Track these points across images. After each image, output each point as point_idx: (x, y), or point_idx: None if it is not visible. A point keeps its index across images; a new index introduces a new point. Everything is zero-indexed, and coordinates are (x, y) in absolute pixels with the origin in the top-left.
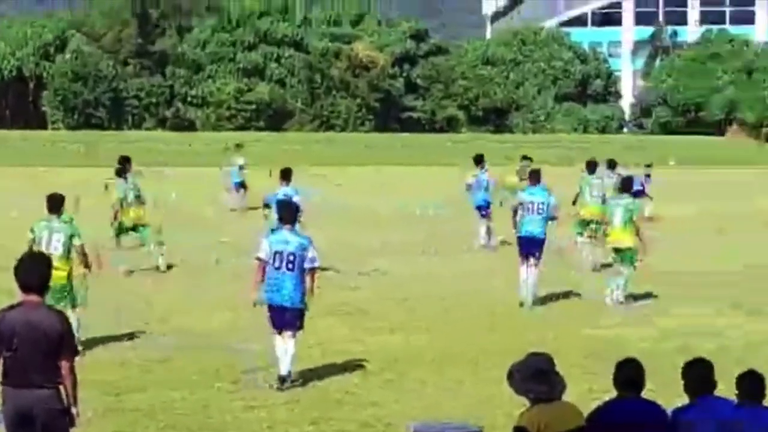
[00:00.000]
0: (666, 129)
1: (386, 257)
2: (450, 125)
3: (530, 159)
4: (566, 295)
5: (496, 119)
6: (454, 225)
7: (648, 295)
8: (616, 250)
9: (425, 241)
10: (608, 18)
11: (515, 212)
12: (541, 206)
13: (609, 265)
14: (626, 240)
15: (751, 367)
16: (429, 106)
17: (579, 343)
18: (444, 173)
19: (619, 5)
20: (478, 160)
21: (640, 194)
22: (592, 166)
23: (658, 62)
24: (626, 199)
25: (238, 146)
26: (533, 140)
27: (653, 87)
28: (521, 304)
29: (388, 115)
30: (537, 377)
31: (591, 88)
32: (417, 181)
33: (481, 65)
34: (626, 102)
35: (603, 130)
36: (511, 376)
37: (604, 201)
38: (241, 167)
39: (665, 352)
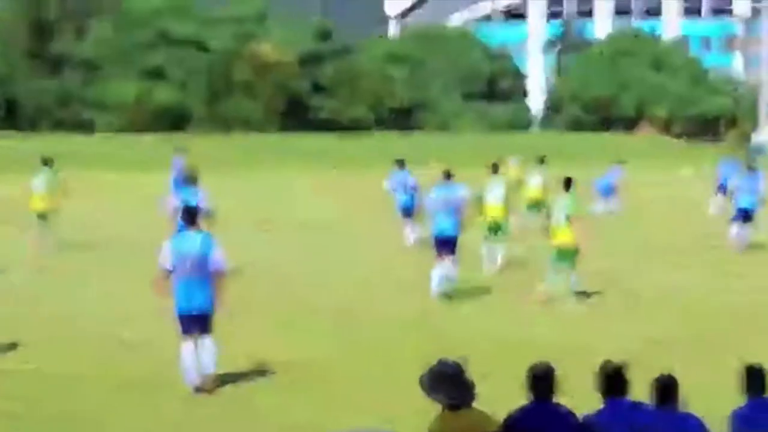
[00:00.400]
0: (576, 126)
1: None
2: (356, 125)
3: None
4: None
5: (403, 119)
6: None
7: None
8: (560, 250)
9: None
10: (516, 15)
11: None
12: (453, 203)
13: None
14: (569, 239)
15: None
16: (335, 107)
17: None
18: (350, 175)
19: (525, 2)
20: (400, 163)
21: (611, 190)
22: (495, 168)
23: (567, 59)
24: (566, 199)
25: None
26: (441, 139)
27: (562, 84)
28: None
29: (294, 116)
30: (446, 383)
31: (499, 86)
32: (317, 184)
33: (386, 64)
34: (535, 100)
35: (512, 129)
36: (421, 382)
37: (505, 201)
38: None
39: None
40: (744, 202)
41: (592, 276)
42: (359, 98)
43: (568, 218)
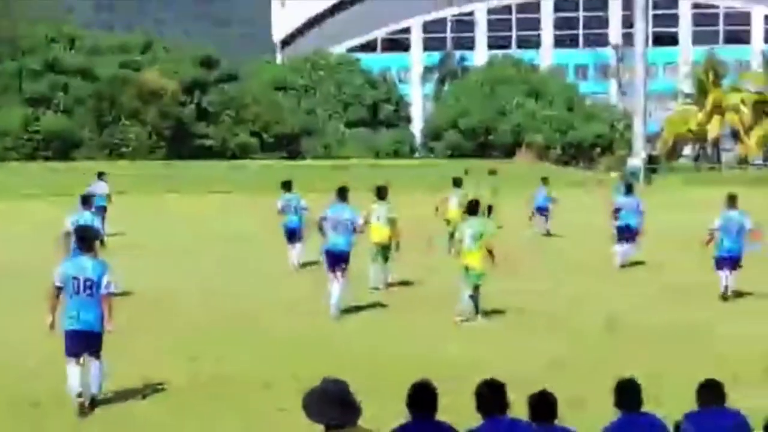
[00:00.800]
0: (456, 153)
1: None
2: (243, 152)
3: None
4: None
5: (288, 145)
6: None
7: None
8: (467, 269)
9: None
10: (397, 43)
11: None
12: (346, 222)
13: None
14: (475, 261)
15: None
16: (221, 133)
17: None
18: (233, 200)
19: (408, 30)
20: (286, 185)
21: (544, 210)
22: (380, 192)
23: (447, 87)
24: (475, 221)
25: None
26: (326, 166)
27: (443, 111)
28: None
29: (180, 143)
30: (329, 403)
31: (382, 113)
32: (204, 209)
33: (272, 91)
34: (417, 126)
35: (395, 155)
36: (304, 402)
37: (392, 222)
38: None
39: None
40: (627, 221)
41: (509, 295)
42: (245, 125)
43: (476, 240)
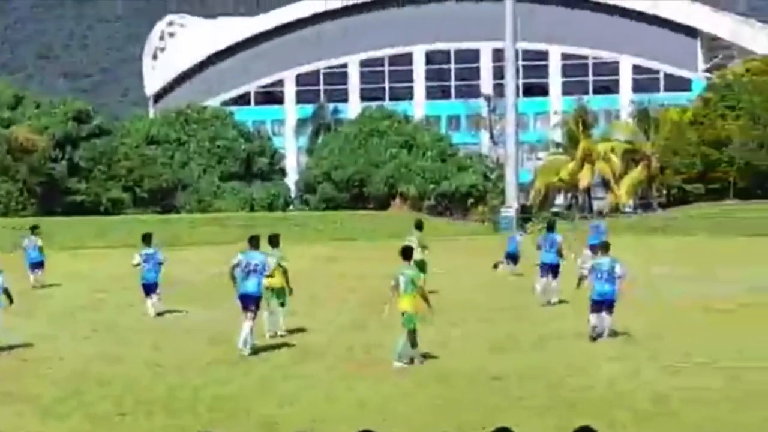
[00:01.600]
0: (331, 205)
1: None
2: (115, 207)
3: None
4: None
5: (162, 199)
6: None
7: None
8: (403, 314)
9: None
10: (271, 96)
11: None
12: (257, 266)
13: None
14: (409, 305)
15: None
16: (93, 189)
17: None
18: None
19: (281, 83)
20: (146, 238)
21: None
22: (274, 240)
23: (320, 139)
24: (408, 269)
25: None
26: (201, 219)
27: (316, 164)
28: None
29: (52, 199)
30: None
31: (256, 166)
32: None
33: (145, 145)
34: (292, 179)
35: (270, 208)
36: None
37: (284, 270)
38: None
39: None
40: (547, 258)
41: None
42: (117, 179)
43: (410, 285)
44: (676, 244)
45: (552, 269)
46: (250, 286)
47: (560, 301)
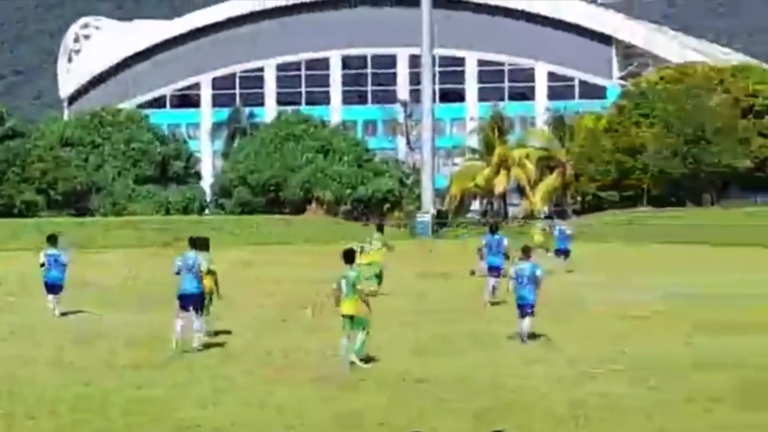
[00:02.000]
0: (246, 209)
1: None
2: (29, 209)
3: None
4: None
5: (76, 202)
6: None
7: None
8: (348, 318)
9: None
10: (187, 100)
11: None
12: (192, 266)
13: None
14: (351, 308)
15: None
16: (6, 191)
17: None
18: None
19: (197, 87)
20: (52, 240)
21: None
22: (200, 243)
23: (236, 143)
24: (350, 272)
25: None
26: (115, 222)
27: (232, 168)
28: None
29: None
30: None
31: (171, 169)
32: None
33: (59, 147)
34: (207, 183)
35: (185, 211)
36: None
37: (212, 273)
38: None
39: None
40: (494, 261)
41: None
42: (31, 182)
43: (352, 287)
44: (591, 250)
45: (497, 271)
46: (189, 285)
47: (495, 303)
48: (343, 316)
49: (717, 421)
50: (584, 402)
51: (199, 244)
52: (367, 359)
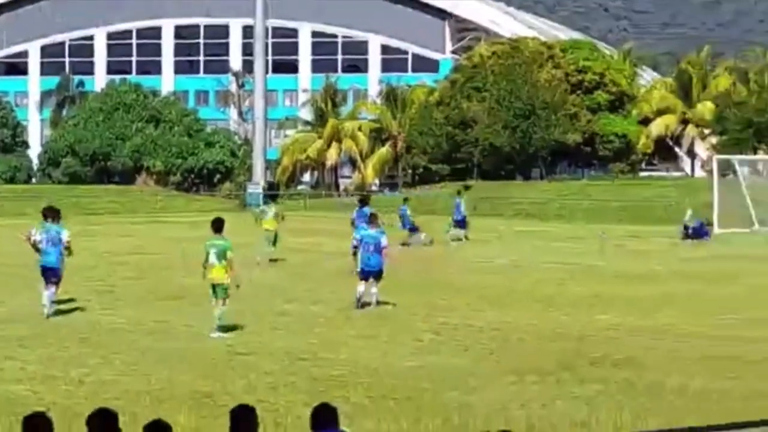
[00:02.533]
0: (74, 179)
1: None
2: None
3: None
4: None
5: None
6: None
7: None
8: (213, 286)
9: None
10: (14, 67)
11: None
12: (54, 238)
13: None
14: (219, 276)
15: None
16: None
17: None
18: None
19: (25, 54)
20: None
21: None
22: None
23: (65, 112)
24: (218, 240)
25: None
26: None
27: (60, 137)
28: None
29: None
30: None
31: None
32: None
33: None
34: (35, 152)
35: (11, 181)
36: None
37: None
38: None
39: None
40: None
41: None
42: None
43: (220, 257)
44: (422, 222)
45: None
46: (51, 258)
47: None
48: (214, 284)
49: None
50: (406, 374)
51: (52, 215)
52: (228, 329)
